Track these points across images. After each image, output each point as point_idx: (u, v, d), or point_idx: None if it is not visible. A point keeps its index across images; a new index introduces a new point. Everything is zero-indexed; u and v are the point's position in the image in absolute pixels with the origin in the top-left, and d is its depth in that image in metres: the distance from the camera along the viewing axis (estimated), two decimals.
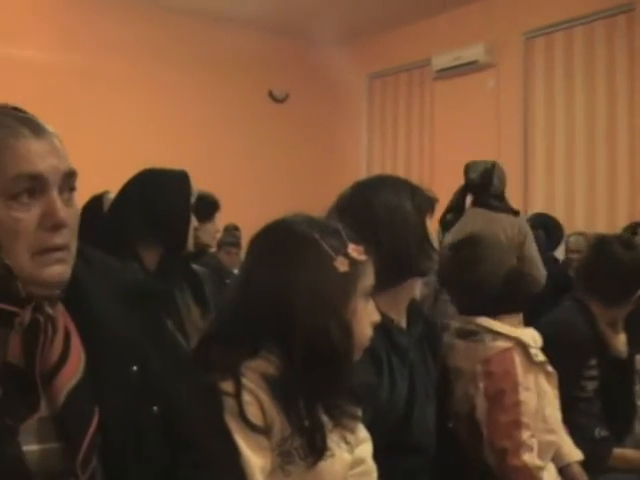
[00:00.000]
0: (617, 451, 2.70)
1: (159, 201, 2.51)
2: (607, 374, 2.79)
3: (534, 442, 2.19)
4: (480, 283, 2.33)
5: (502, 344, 2.27)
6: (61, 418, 1.21)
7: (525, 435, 2.17)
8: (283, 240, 1.64)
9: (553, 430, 2.31)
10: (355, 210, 2.01)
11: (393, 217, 1.98)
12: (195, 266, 2.83)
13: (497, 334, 2.29)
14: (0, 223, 1.19)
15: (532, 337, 2.35)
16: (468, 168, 4.85)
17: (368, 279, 1.64)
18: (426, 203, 2.08)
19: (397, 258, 1.96)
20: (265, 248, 1.67)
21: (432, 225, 2.11)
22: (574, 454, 2.41)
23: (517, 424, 2.18)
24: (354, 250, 1.61)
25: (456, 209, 4.77)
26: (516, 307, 2.40)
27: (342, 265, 1.58)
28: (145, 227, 2.48)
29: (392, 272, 1.95)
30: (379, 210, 1.98)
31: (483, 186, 4.69)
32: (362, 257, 1.62)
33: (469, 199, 4.88)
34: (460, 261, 2.40)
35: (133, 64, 7.80)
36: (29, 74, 7.08)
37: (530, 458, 2.16)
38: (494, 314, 2.33)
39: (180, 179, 2.58)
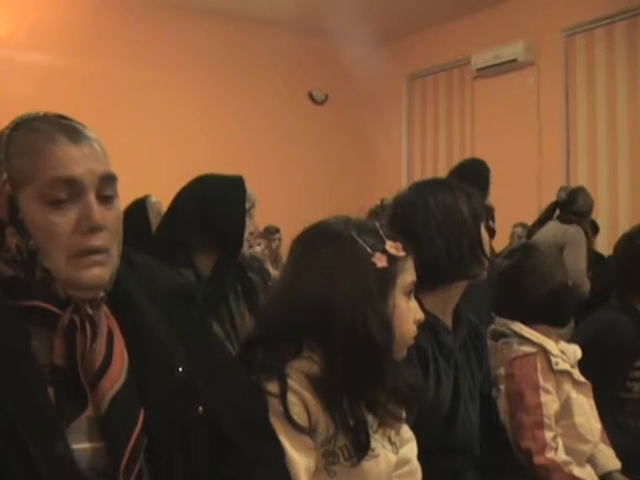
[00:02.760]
0: None
1: (215, 207, 2.51)
2: None
3: (559, 442, 2.21)
4: (527, 291, 2.38)
5: (526, 349, 2.32)
6: (105, 422, 1.23)
7: (548, 436, 2.19)
8: (321, 240, 1.66)
9: (585, 440, 2.30)
10: (411, 208, 2.04)
11: (448, 217, 1.99)
12: (251, 274, 2.84)
13: (524, 339, 2.34)
14: (37, 227, 1.22)
15: (573, 352, 2.39)
16: (560, 189, 5.70)
17: (408, 275, 1.65)
18: (482, 210, 2.09)
19: (449, 258, 1.97)
20: (304, 249, 1.69)
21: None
22: (612, 463, 2.39)
23: (540, 425, 2.21)
24: (392, 246, 1.62)
25: (542, 222, 5.55)
26: (556, 321, 2.41)
27: (380, 261, 1.59)
28: (201, 233, 2.48)
29: (442, 272, 1.99)
30: (435, 209, 2.00)
31: (568, 203, 5.41)
32: (400, 253, 1.63)
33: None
34: (512, 268, 2.44)
35: (173, 69, 7.88)
36: (82, 84, 7.21)
37: (555, 455, 2.18)
38: (532, 322, 2.36)
39: (236, 185, 2.58)
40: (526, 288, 2.37)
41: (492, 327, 2.44)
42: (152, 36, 7.73)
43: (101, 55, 7.52)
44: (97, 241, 1.24)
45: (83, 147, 1.26)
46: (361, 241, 1.60)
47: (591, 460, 2.36)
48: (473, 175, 5.10)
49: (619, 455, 2.40)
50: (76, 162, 1.24)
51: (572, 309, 2.42)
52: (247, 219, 2.55)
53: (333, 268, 1.59)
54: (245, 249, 2.58)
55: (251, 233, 2.59)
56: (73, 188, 1.23)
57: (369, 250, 1.60)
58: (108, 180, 1.29)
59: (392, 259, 1.61)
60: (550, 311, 2.36)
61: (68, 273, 1.23)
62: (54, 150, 1.23)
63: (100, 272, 1.26)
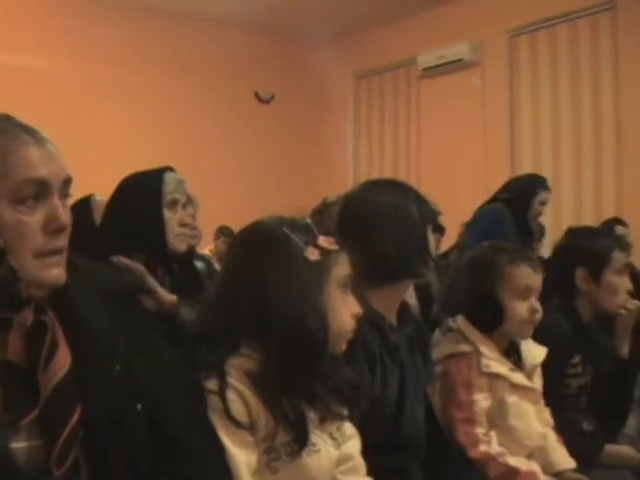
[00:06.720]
0: (611, 448, 2.70)
1: (127, 208, 2.42)
2: (600, 371, 2.80)
3: (492, 435, 2.24)
4: (466, 290, 2.39)
5: (463, 347, 2.33)
6: (44, 412, 1.23)
7: (479, 432, 2.22)
8: (254, 238, 1.69)
9: (521, 443, 2.33)
10: (362, 206, 2.06)
11: (399, 216, 2.02)
12: (198, 263, 2.73)
13: (464, 337, 2.35)
14: (7, 226, 1.23)
15: (533, 355, 2.41)
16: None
17: (342, 268, 1.67)
18: (430, 214, 2.12)
19: (397, 256, 2.00)
20: (239, 248, 1.73)
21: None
22: (565, 462, 2.42)
23: (471, 421, 2.23)
24: (324, 241, 1.65)
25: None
26: (482, 324, 2.37)
27: (312, 254, 1.62)
28: (122, 237, 2.39)
29: (389, 270, 2.01)
30: (386, 207, 2.02)
31: None
32: (333, 247, 1.66)
33: None
34: (465, 263, 2.46)
35: (119, 67, 7.80)
36: (17, 80, 7.08)
37: (489, 447, 2.21)
38: (481, 327, 2.36)
39: (150, 180, 2.46)
40: (460, 289, 2.40)
41: (446, 321, 2.44)
42: (95, 33, 7.62)
43: (45, 52, 7.43)
44: (61, 242, 1.29)
45: (45, 148, 1.29)
46: (293, 236, 1.63)
47: (546, 459, 2.39)
48: (518, 191, 5.13)
49: (570, 452, 2.44)
50: (42, 164, 1.26)
51: (492, 318, 2.35)
52: (169, 212, 2.42)
53: (267, 264, 1.61)
54: (176, 244, 2.44)
55: (184, 225, 2.46)
56: (41, 189, 1.26)
57: (301, 245, 1.62)
58: (68, 183, 1.33)
59: (325, 253, 1.64)
60: (478, 314, 2.37)
61: (33, 271, 1.25)
62: (22, 151, 1.25)
63: (60, 271, 1.29)
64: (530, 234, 5.12)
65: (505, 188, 5.22)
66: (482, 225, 4.94)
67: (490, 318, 2.35)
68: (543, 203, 5.19)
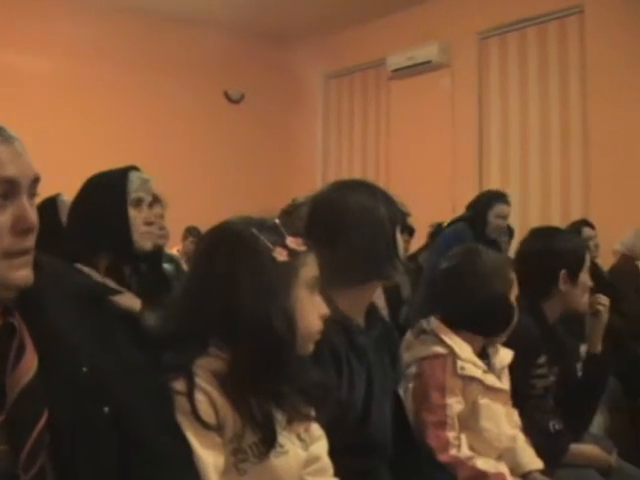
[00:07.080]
0: (575, 447, 2.72)
1: (91, 206, 2.41)
2: (566, 372, 2.82)
3: (462, 438, 2.25)
4: (458, 294, 2.39)
5: (438, 349, 2.33)
6: (10, 416, 1.22)
7: (450, 435, 2.23)
8: (222, 238, 1.68)
9: (491, 445, 2.35)
10: (330, 206, 2.05)
11: (367, 217, 2.01)
12: (166, 265, 2.72)
13: (439, 339, 2.35)
14: None
15: (501, 357, 2.44)
16: None
17: (310, 269, 1.67)
18: (398, 215, 2.12)
19: (365, 258, 1.99)
20: (207, 248, 1.71)
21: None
22: (533, 463, 2.44)
23: (442, 424, 2.24)
24: (292, 242, 1.65)
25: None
26: (480, 330, 2.40)
27: (280, 255, 1.61)
28: (86, 236, 2.38)
29: (357, 271, 2.00)
30: (354, 208, 2.01)
31: None
32: (301, 248, 1.65)
33: None
34: (451, 269, 2.45)
35: (86, 65, 7.76)
36: None
37: (458, 451, 2.22)
38: (458, 325, 2.37)
39: (115, 179, 2.46)
40: (458, 291, 2.39)
41: (418, 323, 2.44)
42: (62, 30, 7.59)
43: (15, 47, 7.40)
44: (29, 242, 1.27)
45: (13, 147, 1.26)
46: (262, 237, 1.62)
47: (514, 459, 2.41)
48: (476, 209, 5.19)
49: (536, 452, 2.46)
50: (12, 163, 1.24)
51: (502, 322, 2.40)
52: (134, 211, 2.42)
53: (235, 264, 1.61)
54: (142, 242, 2.44)
55: (150, 223, 2.46)
56: (10, 188, 1.24)
57: (269, 245, 1.62)
58: (36, 182, 1.31)
59: (293, 253, 1.63)
60: (476, 319, 2.37)
61: (1, 273, 1.24)
62: None
63: (28, 272, 1.27)
64: (497, 248, 5.19)
65: (467, 207, 5.36)
66: (442, 247, 5.01)
67: (501, 321, 2.40)
68: (501, 216, 5.27)
